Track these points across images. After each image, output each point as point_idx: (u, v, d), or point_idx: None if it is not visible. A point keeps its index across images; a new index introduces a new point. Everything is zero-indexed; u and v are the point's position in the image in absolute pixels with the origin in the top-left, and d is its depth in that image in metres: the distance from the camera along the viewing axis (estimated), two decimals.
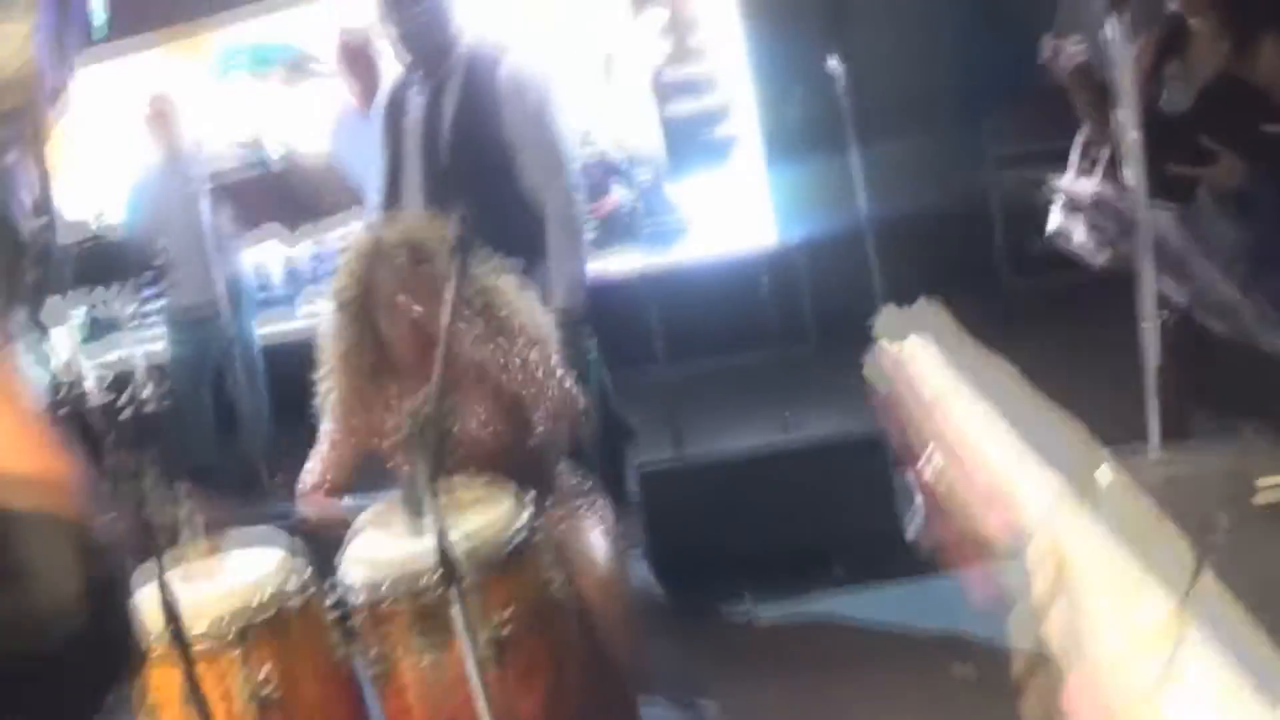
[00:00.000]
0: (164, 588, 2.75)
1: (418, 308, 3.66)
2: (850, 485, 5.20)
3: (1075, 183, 3.69)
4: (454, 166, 4.87)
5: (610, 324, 7.38)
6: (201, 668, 3.01)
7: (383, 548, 3.31)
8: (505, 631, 3.21)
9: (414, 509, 2.90)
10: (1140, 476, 1.32)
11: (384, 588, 3.22)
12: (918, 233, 7.44)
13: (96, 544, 1.33)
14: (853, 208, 5.77)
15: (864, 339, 5.76)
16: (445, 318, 3.22)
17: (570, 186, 4.96)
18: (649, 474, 5.34)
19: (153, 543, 2.84)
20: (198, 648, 3.00)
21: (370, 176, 5.23)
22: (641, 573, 5.22)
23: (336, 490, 3.90)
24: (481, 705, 2.94)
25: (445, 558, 2.87)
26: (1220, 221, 3.81)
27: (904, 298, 6.34)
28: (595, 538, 3.85)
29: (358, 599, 3.30)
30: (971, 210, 8.03)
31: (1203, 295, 3.00)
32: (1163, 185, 3.92)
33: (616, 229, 7.10)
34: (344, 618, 3.38)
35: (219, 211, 6.28)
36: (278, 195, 5.63)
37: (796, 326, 8.03)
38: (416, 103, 4.95)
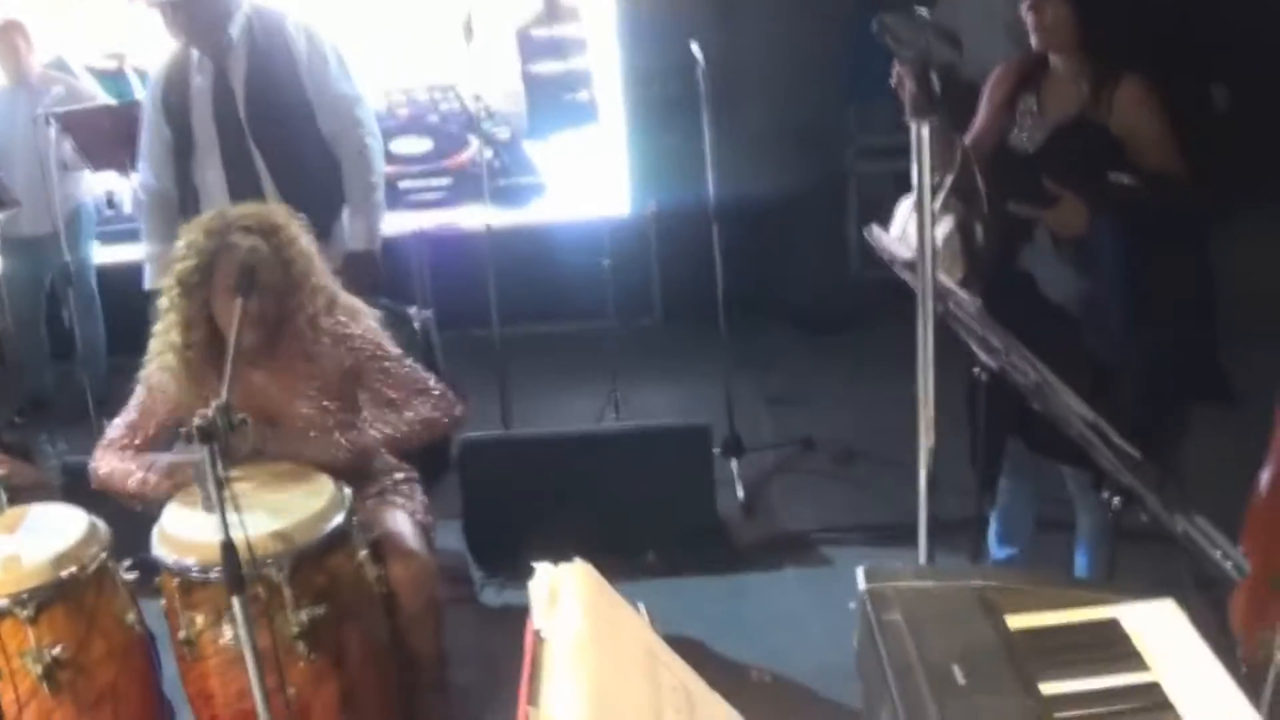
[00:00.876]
0: None
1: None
2: (672, 473, 5.20)
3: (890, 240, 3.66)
4: (255, 131, 4.87)
5: (450, 282, 7.36)
6: None
7: (193, 527, 3.27)
8: (314, 619, 3.21)
9: (205, 503, 2.82)
10: None
11: (193, 570, 3.22)
12: (772, 216, 7.46)
13: None
14: (705, 184, 5.73)
15: (708, 317, 5.80)
16: (236, 314, 3.26)
17: (362, 131, 5.04)
18: (470, 445, 5.28)
19: None
20: None
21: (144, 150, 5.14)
22: (456, 544, 5.18)
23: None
24: (258, 695, 2.91)
25: (228, 561, 2.79)
26: (1056, 266, 3.82)
27: (753, 279, 6.40)
28: (404, 522, 3.81)
29: (166, 572, 3.30)
30: (829, 198, 8.06)
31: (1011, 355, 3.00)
32: (1003, 223, 3.94)
33: (470, 184, 6.99)
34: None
35: (61, 139, 6.11)
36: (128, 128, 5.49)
37: (642, 299, 8.00)
38: (200, 81, 4.91)
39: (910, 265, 3.30)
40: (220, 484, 2.78)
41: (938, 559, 2.97)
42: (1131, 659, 1.89)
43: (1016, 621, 1.96)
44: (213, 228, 3.67)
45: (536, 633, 1.76)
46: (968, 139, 4.04)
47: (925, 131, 2.67)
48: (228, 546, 2.81)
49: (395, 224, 6.20)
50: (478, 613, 4.92)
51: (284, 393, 3.77)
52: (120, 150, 5.68)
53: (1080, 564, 4.21)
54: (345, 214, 5.05)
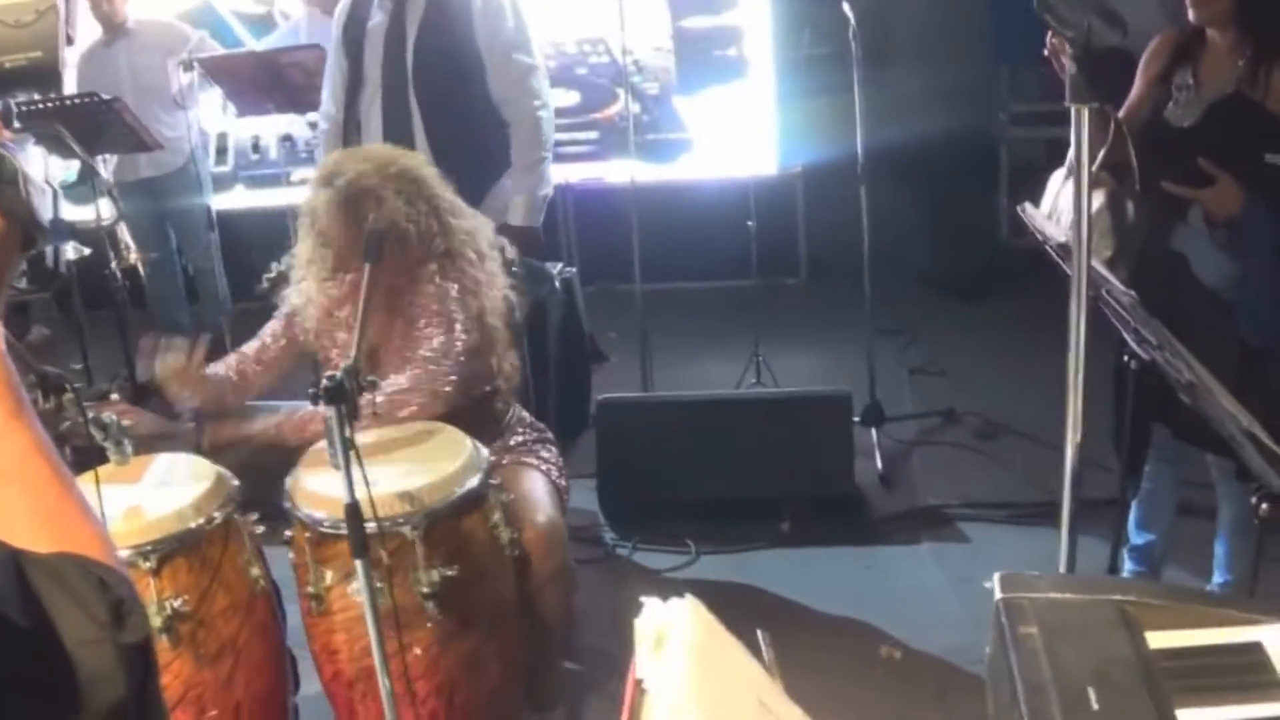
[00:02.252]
0: None
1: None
2: (811, 441, 5.14)
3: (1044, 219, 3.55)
4: (418, 79, 4.80)
5: (595, 236, 7.35)
6: None
7: (325, 481, 3.24)
8: (444, 580, 3.20)
9: (332, 460, 2.82)
10: None
11: (324, 524, 3.22)
12: (921, 179, 7.36)
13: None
14: (854, 145, 5.64)
15: (853, 280, 5.72)
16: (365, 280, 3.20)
17: (537, 103, 4.91)
18: (608, 405, 5.28)
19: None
20: None
21: (326, 78, 5.14)
22: (589, 504, 5.18)
23: (254, 384, 3.95)
24: (377, 655, 2.91)
25: (352, 524, 2.79)
26: (1209, 248, 3.69)
27: (900, 243, 6.32)
28: (539, 485, 3.81)
29: (298, 524, 3.32)
30: (979, 163, 7.93)
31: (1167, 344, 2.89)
32: (1157, 202, 3.82)
33: (617, 138, 6.95)
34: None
35: (182, 80, 6.22)
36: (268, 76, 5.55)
37: (787, 259, 7.94)
38: (378, 18, 4.85)
39: (1063, 248, 3.21)
40: (346, 446, 2.78)
41: (1079, 541, 2.90)
42: (1274, 688, 1.81)
43: (1156, 640, 1.89)
44: (323, 176, 3.71)
45: (638, 682, 1.65)
46: (1121, 112, 3.93)
47: (1085, 116, 2.54)
48: (352, 509, 2.81)
49: None
50: (609, 574, 4.91)
51: (393, 336, 3.78)
52: (265, 95, 5.73)
53: (1219, 553, 4.11)
54: (502, 184, 4.95)
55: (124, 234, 6.36)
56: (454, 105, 4.80)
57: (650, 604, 1.75)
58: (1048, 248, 3.35)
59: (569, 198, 7.36)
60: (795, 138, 7.27)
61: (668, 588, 4.62)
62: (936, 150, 7.33)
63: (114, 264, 6.03)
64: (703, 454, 5.14)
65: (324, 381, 2.79)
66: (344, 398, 2.79)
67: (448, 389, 3.63)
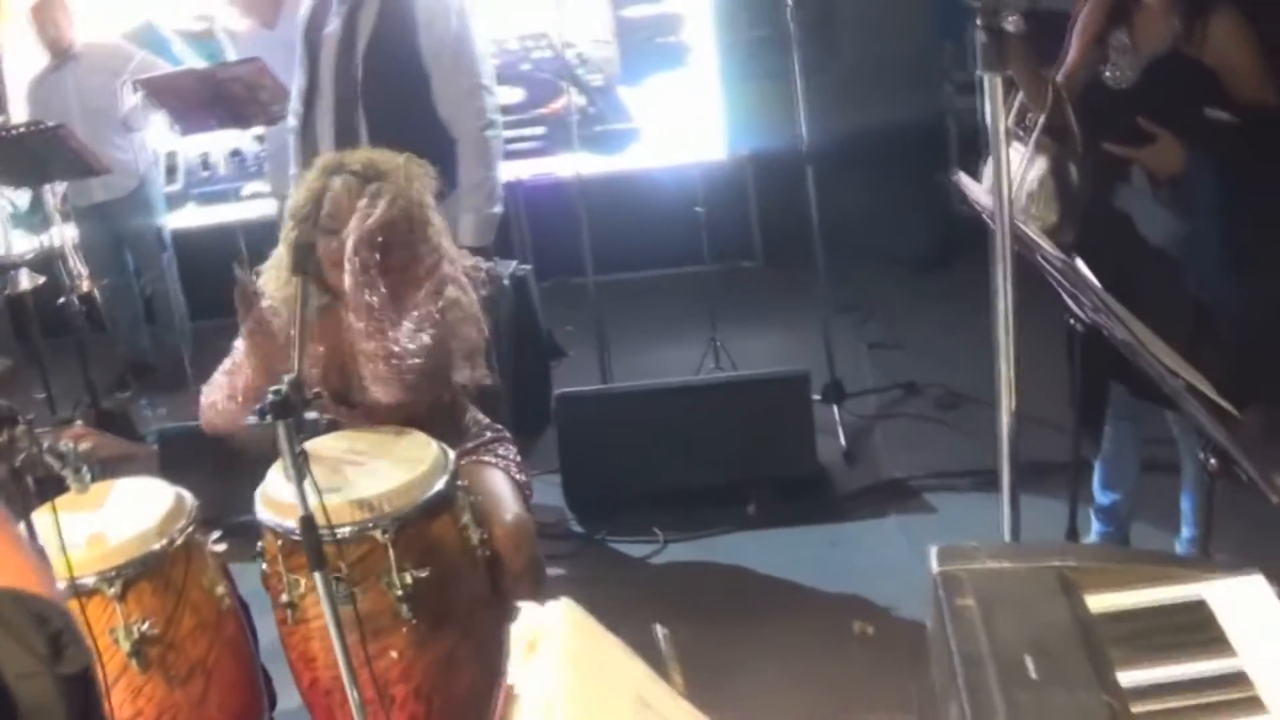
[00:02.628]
0: (31, 535, 2.65)
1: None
2: (772, 422, 5.17)
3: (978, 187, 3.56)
4: (366, 89, 4.76)
5: (548, 231, 7.36)
6: (80, 604, 3.02)
7: (293, 490, 3.21)
8: (417, 582, 3.22)
9: (285, 472, 2.83)
10: None
11: (295, 533, 3.16)
12: (868, 155, 7.37)
13: None
14: (798, 125, 5.66)
15: (806, 260, 5.74)
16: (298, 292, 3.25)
17: (481, 122, 4.84)
18: (566, 399, 5.30)
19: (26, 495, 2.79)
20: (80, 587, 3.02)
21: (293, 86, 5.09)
22: (556, 499, 5.20)
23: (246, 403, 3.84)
24: (342, 663, 2.93)
25: (308, 536, 2.81)
26: (1153, 207, 3.72)
27: (851, 220, 6.32)
28: (501, 482, 3.82)
29: (269, 534, 3.33)
30: (926, 135, 7.95)
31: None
32: (1099, 164, 3.85)
33: (565, 132, 6.95)
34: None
35: (129, 102, 6.22)
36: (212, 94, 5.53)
37: (740, 243, 7.95)
38: (333, 25, 4.81)
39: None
40: (298, 459, 2.79)
41: (1037, 504, 2.91)
42: (1217, 644, 1.83)
43: (1097, 603, 1.91)
44: (327, 166, 3.70)
45: (509, 688, 1.65)
46: (1059, 75, 3.96)
47: (998, 85, 2.55)
48: (307, 521, 2.83)
49: None
50: (578, 567, 4.94)
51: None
52: (207, 112, 5.72)
53: (1185, 509, 4.14)
54: (449, 202, 4.71)
55: (76, 262, 6.35)
56: (401, 119, 4.70)
57: (525, 608, 1.75)
58: (985, 217, 3.37)
59: (519, 195, 7.36)
60: (743, 122, 7.28)
61: (638, 577, 4.68)
62: (884, 125, 7.35)
63: (70, 293, 6.04)
64: (665, 442, 5.18)
65: (269, 397, 2.80)
66: (290, 411, 2.80)
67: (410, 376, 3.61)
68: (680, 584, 4.73)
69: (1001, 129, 2.58)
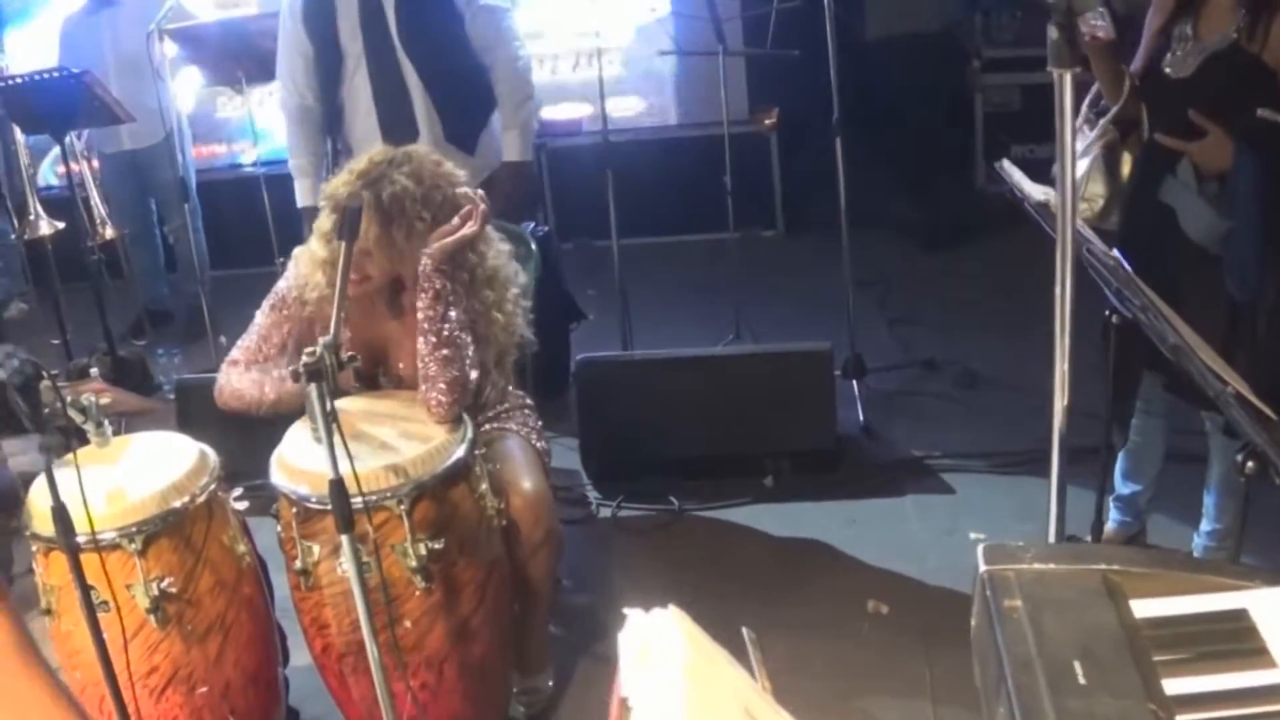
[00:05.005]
0: (53, 490, 2.63)
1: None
2: (792, 396, 5.15)
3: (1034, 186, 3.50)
4: (406, 41, 4.80)
5: (571, 195, 7.34)
6: (100, 558, 3.02)
7: (310, 455, 3.22)
8: (432, 552, 3.20)
9: (315, 434, 2.81)
10: None
11: (310, 500, 3.20)
12: (896, 128, 7.34)
13: None
14: (828, 96, 5.60)
15: (830, 231, 5.69)
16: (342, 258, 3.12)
17: (516, 43, 5.02)
18: (587, 364, 5.28)
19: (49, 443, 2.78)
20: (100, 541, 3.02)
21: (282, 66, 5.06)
22: (573, 464, 5.19)
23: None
24: (366, 630, 2.92)
25: (337, 500, 2.79)
26: (1197, 203, 3.68)
27: (876, 193, 6.27)
28: (520, 451, 3.79)
29: (284, 499, 3.30)
30: (954, 110, 7.92)
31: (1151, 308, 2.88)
32: (1148, 153, 3.82)
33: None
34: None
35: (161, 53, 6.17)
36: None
37: (763, 212, 7.91)
38: None
39: (1042, 206, 3.20)
40: (329, 423, 2.77)
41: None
42: (1259, 655, 1.81)
43: (1141, 608, 1.89)
44: (380, 157, 3.56)
45: (623, 700, 1.61)
46: (1135, 65, 3.93)
47: (1068, 82, 2.48)
48: (337, 484, 2.80)
49: None
50: (593, 533, 4.94)
51: (401, 349, 3.70)
52: (234, 63, 5.68)
53: (1208, 503, 4.12)
54: (491, 125, 5.04)
55: (99, 208, 6.34)
56: (445, 59, 4.86)
57: (633, 616, 1.72)
58: (1026, 206, 3.34)
59: (543, 156, 7.34)
60: (770, 91, 7.24)
61: (653, 545, 4.67)
62: (911, 98, 7.31)
63: (92, 239, 6.03)
64: (685, 411, 5.15)
65: (304, 358, 2.77)
66: (324, 374, 2.78)
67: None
68: (695, 554, 4.71)
69: (1069, 131, 2.50)
